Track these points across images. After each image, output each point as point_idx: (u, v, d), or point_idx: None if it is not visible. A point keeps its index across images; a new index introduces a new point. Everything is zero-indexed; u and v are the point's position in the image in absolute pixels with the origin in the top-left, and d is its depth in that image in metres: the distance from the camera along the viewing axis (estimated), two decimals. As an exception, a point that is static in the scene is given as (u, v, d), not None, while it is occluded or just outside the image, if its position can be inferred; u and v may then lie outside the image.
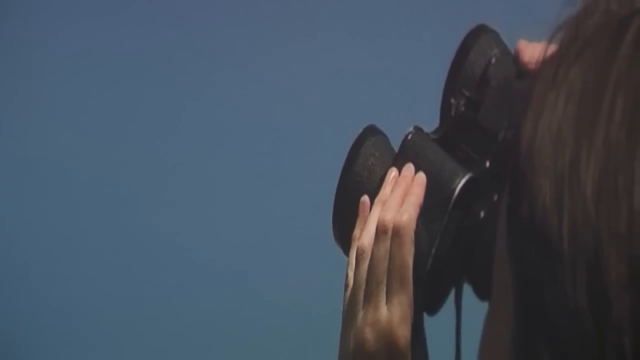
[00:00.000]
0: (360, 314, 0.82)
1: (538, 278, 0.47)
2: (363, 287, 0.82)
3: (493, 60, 0.79)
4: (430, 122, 0.84)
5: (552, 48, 0.48)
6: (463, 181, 0.78)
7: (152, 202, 2.78)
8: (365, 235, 0.82)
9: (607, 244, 0.46)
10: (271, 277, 2.36)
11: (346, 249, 0.83)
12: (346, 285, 0.83)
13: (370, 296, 0.81)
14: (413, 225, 0.79)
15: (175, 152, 2.83)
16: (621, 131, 0.46)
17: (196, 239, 2.65)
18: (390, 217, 0.80)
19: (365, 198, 0.82)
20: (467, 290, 0.78)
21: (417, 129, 0.81)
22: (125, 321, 2.67)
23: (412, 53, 2.41)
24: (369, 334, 0.81)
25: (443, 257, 0.79)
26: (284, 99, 2.54)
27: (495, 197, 0.71)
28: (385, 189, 0.82)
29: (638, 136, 0.46)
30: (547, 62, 0.48)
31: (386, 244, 0.81)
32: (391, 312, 0.81)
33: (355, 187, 0.83)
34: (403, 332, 0.80)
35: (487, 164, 0.78)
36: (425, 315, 0.81)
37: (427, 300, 0.80)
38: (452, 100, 0.80)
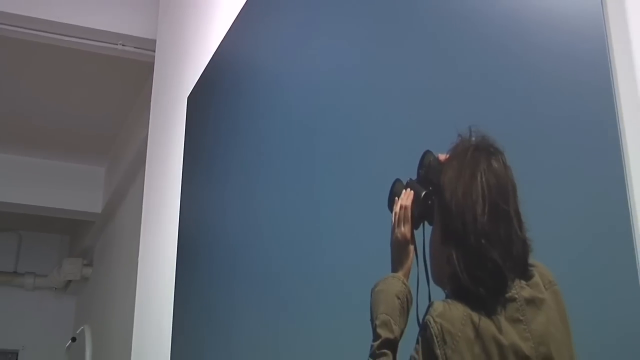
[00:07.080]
0: (396, 229, 1.29)
1: (447, 220, 1.32)
2: (397, 221, 1.29)
3: (432, 159, 1.28)
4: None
5: (448, 157, 1.40)
6: (423, 192, 1.28)
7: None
8: (396, 208, 1.30)
9: (466, 210, 1.30)
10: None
11: (391, 211, 1.31)
12: (392, 221, 1.30)
13: (399, 224, 1.29)
14: (409, 205, 1.29)
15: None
16: (468, 178, 1.33)
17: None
18: (403, 203, 1.29)
19: (396, 199, 1.30)
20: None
21: (411, 179, 1.29)
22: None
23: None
24: (399, 235, 1.29)
25: (420, 214, 1.28)
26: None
27: (434, 198, 1.24)
28: (402, 195, 1.31)
29: (472, 182, 1.29)
30: (447, 161, 1.41)
31: (402, 210, 1.29)
32: (405, 228, 1.28)
33: (393, 196, 1.32)
34: (410, 234, 1.28)
35: (431, 188, 1.27)
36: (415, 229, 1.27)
37: (415, 225, 1.29)
38: (420, 171, 1.29)
